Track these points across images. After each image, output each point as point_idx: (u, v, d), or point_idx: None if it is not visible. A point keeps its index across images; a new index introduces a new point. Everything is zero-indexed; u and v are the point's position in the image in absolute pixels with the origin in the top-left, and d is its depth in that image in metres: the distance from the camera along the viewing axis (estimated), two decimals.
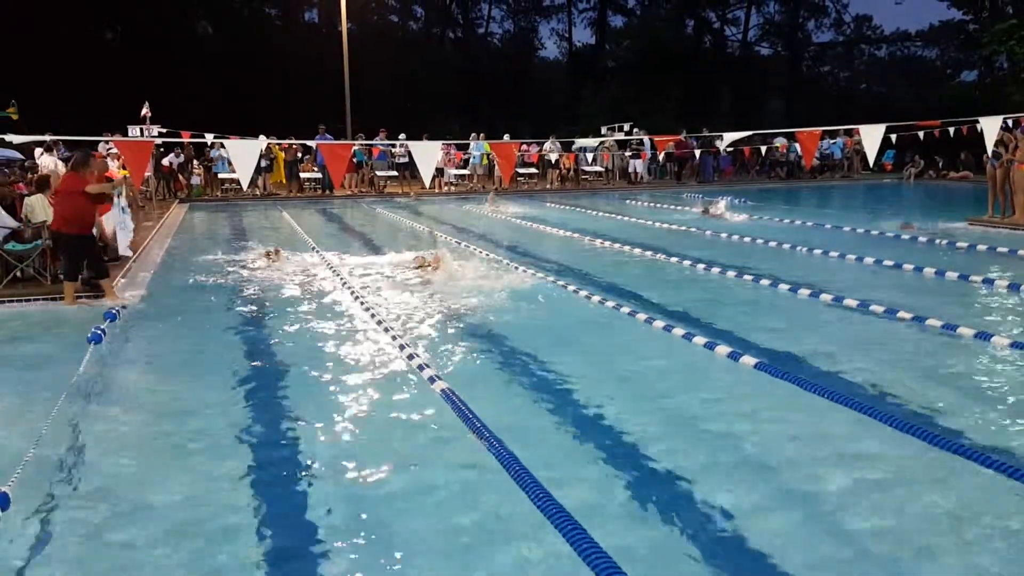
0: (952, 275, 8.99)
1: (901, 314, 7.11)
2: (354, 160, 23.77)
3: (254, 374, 5.96)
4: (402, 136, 22.61)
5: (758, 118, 39.01)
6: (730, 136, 15.35)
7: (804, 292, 8.31)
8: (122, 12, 35.89)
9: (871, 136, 10.99)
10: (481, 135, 25.65)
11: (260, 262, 10.94)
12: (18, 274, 8.87)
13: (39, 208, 9.26)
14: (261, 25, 40.95)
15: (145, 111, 18.50)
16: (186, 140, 17.42)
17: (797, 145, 22.43)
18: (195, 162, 23.45)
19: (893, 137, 18.66)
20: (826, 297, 8.02)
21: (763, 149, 26.49)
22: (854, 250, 10.94)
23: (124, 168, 15.97)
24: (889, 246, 11.82)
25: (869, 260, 10.23)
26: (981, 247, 11.32)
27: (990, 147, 11.50)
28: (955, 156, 28.08)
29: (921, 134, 18.29)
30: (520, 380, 5.73)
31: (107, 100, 27.53)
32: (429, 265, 10.00)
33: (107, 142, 15.89)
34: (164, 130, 18.95)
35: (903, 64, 48.26)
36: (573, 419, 4.93)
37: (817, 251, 11.19)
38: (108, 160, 15.44)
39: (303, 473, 4.20)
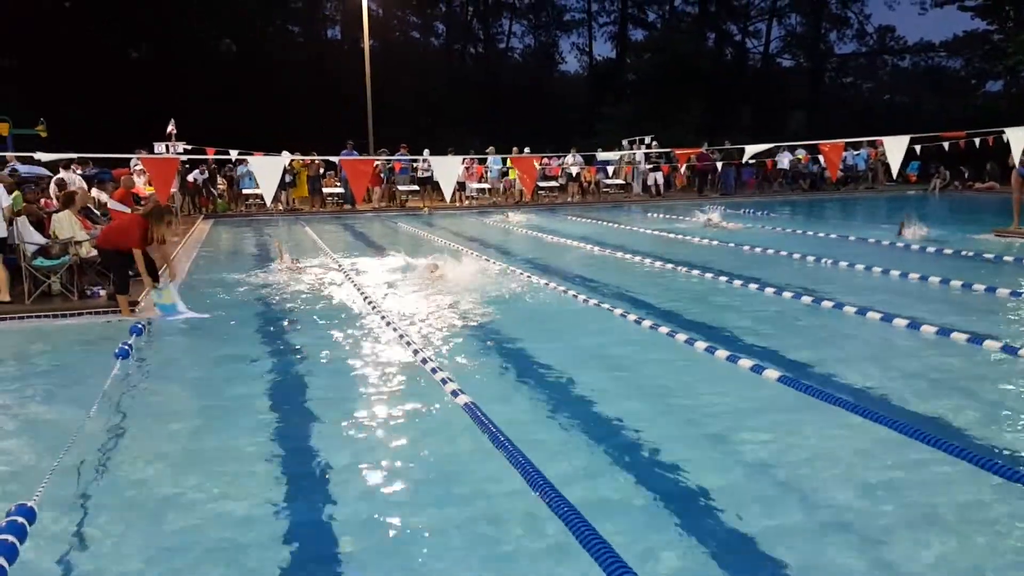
0: (979, 287, 8.88)
1: (925, 327, 7.03)
2: (381, 174, 24.16)
3: (278, 386, 6.01)
4: (426, 152, 22.70)
5: (780, 130, 38.85)
6: (752, 148, 15.32)
7: (827, 304, 8.24)
8: (147, 31, 36.53)
9: (895, 148, 10.93)
10: (513, 150, 25.45)
11: (283, 274, 11.18)
12: (46, 289, 9.02)
13: (66, 224, 9.42)
14: (284, 43, 41.48)
15: (171, 128, 18.76)
16: (211, 156, 17.61)
17: (820, 157, 22.30)
18: (218, 177, 23.75)
19: (918, 148, 18.48)
20: (849, 310, 7.95)
21: (786, 161, 26.35)
22: (878, 262, 10.83)
23: (150, 184, 16.24)
24: (915, 258, 11.71)
25: (895, 273, 10.13)
26: (1008, 258, 11.17)
27: (1017, 157, 11.38)
28: (981, 167, 27.78)
29: (946, 145, 18.12)
30: (535, 387, 5.74)
31: (133, 117, 27.99)
32: (439, 270, 10.43)
33: (136, 159, 16.15)
34: (189, 147, 19.19)
35: (927, 75, 47.88)
36: (596, 428, 4.92)
37: (843, 263, 11.09)
38: (135, 176, 15.69)
39: (329, 484, 4.22)
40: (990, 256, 11.37)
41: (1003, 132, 10.45)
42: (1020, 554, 3.45)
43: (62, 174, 14.17)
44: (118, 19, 34.64)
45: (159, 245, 8.68)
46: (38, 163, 13.07)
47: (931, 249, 12.38)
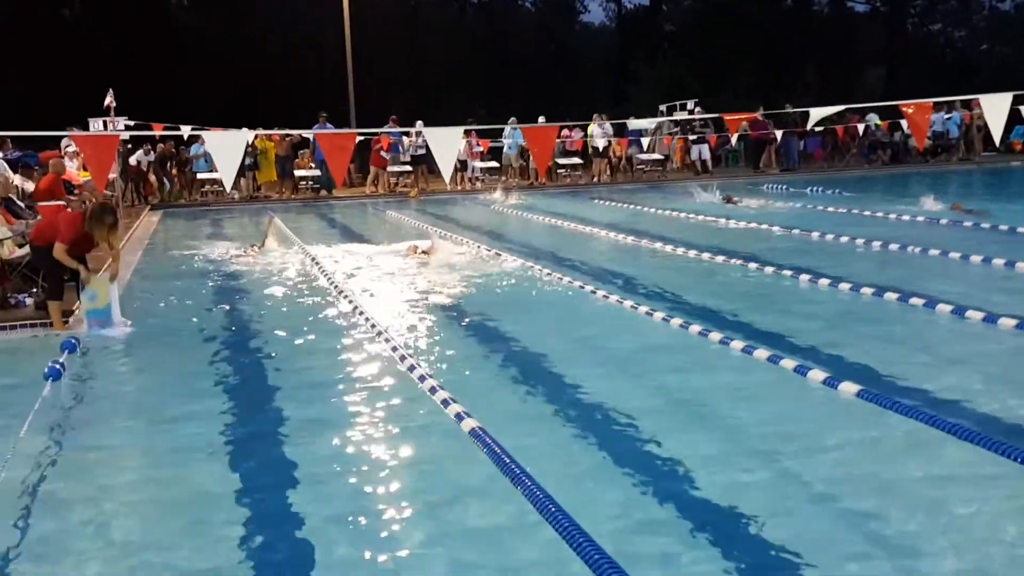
0: None
1: None
2: (385, 156, 24.13)
3: (237, 407, 6.03)
4: (419, 123, 22.47)
5: (853, 91, 38.67)
6: (818, 113, 15.25)
7: (916, 301, 8.16)
8: None
9: (995, 108, 10.81)
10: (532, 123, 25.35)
11: (241, 262, 12.32)
12: None
13: None
14: None
15: (109, 101, 18.80)
16: (158, 133, 17.65)
17: (903, 122, 22.14)
18: (171, 162, 23.82)
19: (1023, 109, 18.28)
20: (943, 308, 7.86)
21: (860, 128, 26.19)
22: (978, 250, 10.71)
23: (85, 169, 16.31)
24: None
25: (999, 262, 10.02)
26: None
27: None
28: None
29: None
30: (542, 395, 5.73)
31: (63, 88, 28.13)
32: (426, 252, 11.89)
33: (67, 138, 16.19)
34: (132, 123, 19.20)
35: None
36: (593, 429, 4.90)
37: (934, 251, 10.98)
38: (66, 160, 15.75)
39: (297, 525, 4.21)
40: None
41: None
42: None
43: None
44: None
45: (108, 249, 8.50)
46: None
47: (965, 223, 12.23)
